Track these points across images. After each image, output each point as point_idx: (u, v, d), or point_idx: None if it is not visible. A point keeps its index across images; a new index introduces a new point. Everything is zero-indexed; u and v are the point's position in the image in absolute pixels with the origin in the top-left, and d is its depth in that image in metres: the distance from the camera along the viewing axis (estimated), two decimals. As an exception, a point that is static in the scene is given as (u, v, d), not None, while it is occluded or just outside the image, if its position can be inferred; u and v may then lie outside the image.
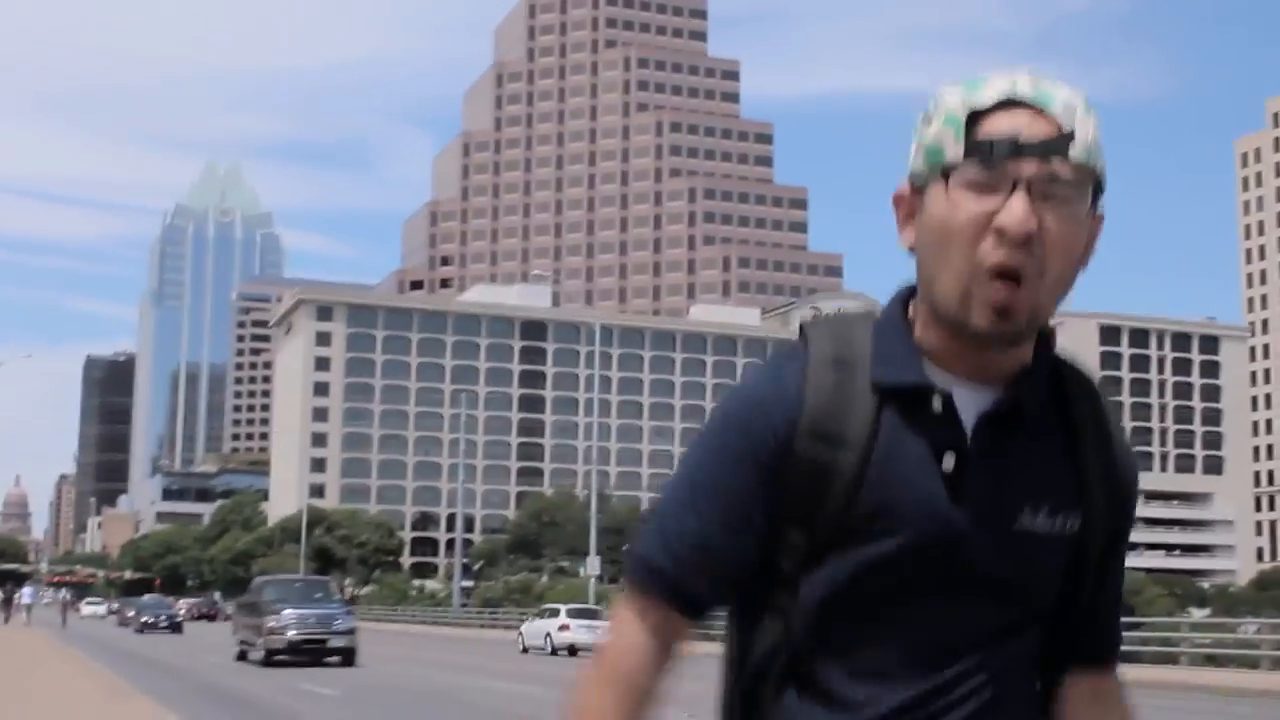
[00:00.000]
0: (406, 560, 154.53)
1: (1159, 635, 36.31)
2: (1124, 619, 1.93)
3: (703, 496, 1.77)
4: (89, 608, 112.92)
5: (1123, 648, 1.94)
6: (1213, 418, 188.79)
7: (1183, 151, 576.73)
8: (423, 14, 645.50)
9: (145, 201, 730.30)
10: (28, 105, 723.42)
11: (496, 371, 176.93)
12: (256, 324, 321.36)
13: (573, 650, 43.82)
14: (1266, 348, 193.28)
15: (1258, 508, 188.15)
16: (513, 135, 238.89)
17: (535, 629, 48.04)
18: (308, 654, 31.89)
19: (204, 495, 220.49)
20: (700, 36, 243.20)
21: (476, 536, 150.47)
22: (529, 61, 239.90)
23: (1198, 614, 79.76)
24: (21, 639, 45.27)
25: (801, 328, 1.83)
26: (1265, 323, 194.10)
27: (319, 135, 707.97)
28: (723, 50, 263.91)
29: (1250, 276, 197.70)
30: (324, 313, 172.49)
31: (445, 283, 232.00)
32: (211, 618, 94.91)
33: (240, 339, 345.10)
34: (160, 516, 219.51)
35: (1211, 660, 33.49)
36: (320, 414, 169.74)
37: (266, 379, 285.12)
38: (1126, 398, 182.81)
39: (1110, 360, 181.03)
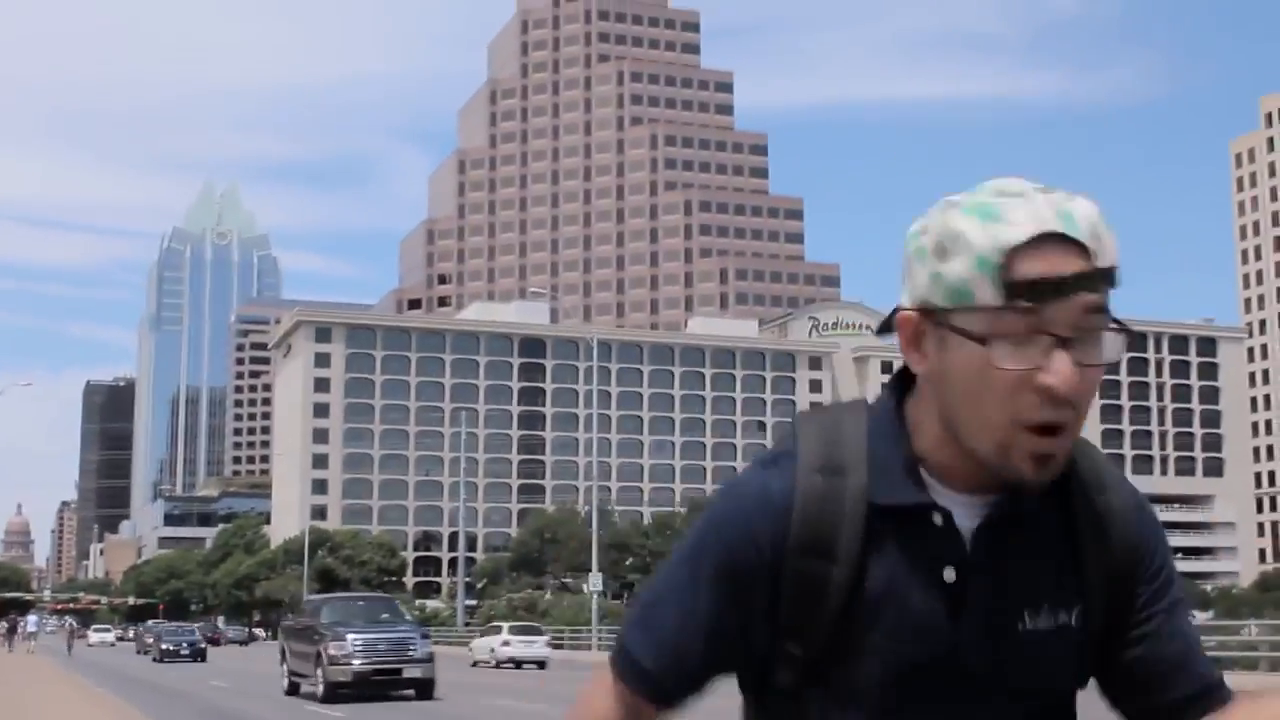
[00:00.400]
0: (410, 580, 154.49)
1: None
2: None
3: (684, 603, 1.75)
4: (97, 635, 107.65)
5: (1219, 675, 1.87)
6: (1212, 420, 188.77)
7: (1178, 153, 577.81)
8: (416, 31, 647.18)
9: (142, 225, 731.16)
10: (24, 129, 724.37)
11: (496, 389, 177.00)
12: (255, 346, 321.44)
13: (516, 663, 49.40)
14: (1264, 348, 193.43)
15: (1259, 509, 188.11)
16: (508, 152, 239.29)
17: (482, 644, 52.77)
18: (378, 686, 26.69)
19: (206, 519, 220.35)
20: (693, 49, 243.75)
21: (479, 555, 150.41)
22: (522, 77, 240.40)
23: (1201, 617, 79.69)
24: (28, 668, 44.53)
25: (793, 422, 1.78)
26: (1263, 323, 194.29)
27: (314, 155, 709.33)
28: (716, 62, 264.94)
29: (1247, 277, 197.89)
30: (322, 334, 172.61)
31: (443, 301, 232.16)
32: (215, 642, 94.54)
33: (239, 361, 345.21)
34: (163, 541, 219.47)
35: (1215, 664, 33.56)
36: (320, 435, 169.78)
37: (267, 401, 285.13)
38: (1125, 401, 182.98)
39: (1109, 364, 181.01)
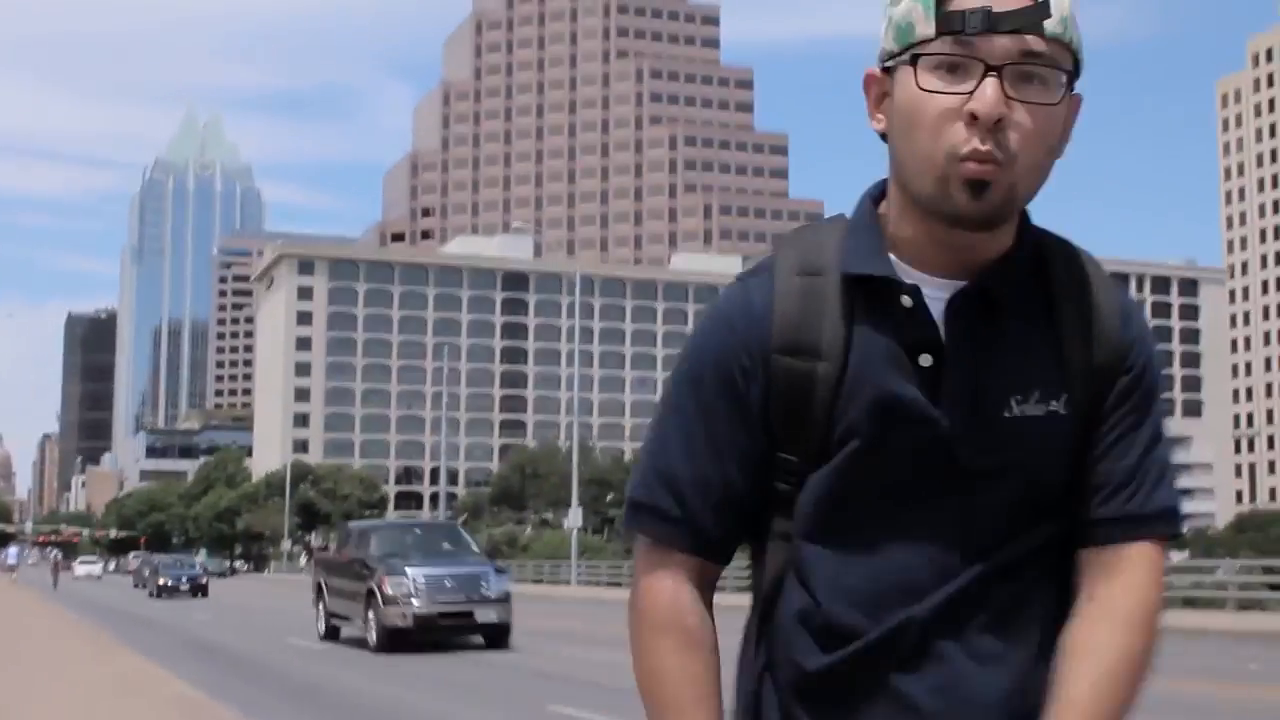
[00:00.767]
0: (391, 514, 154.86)
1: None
2: None
3: (690, 430, 1.73)
4: (83, 567, 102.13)
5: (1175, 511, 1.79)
6: (1192, 361, 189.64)
7: (1164, 93, 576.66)
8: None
9: (124, 155, 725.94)
10: (3, 58, 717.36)
11: (478, 324, 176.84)
12: (238, 279, 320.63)
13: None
14: (1246, 290, 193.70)
15: (1236, 450, 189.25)
16: (493, 84, 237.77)
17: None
18: (445, 633, 22.26)
19: (188, 452, 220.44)
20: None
21: (461, 490, 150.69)
22: (508, 9, 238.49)
23: (1176, 557, 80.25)
24: (12, 604, 44.00)
25: (773, 241, 1.75)
26: (1245, 265, 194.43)
27: (298, 85, 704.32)
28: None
29: (1230, 219, 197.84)
30: (305, 267, 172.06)
31: (426, 234, 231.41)
32: None
33: (222, 294, 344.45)
34: (144, 474, 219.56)
35: (1190, 603, 33.76)
36: (303, 369, 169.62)
37: (249, 334, 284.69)
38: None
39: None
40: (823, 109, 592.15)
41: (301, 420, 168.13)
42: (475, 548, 25.36)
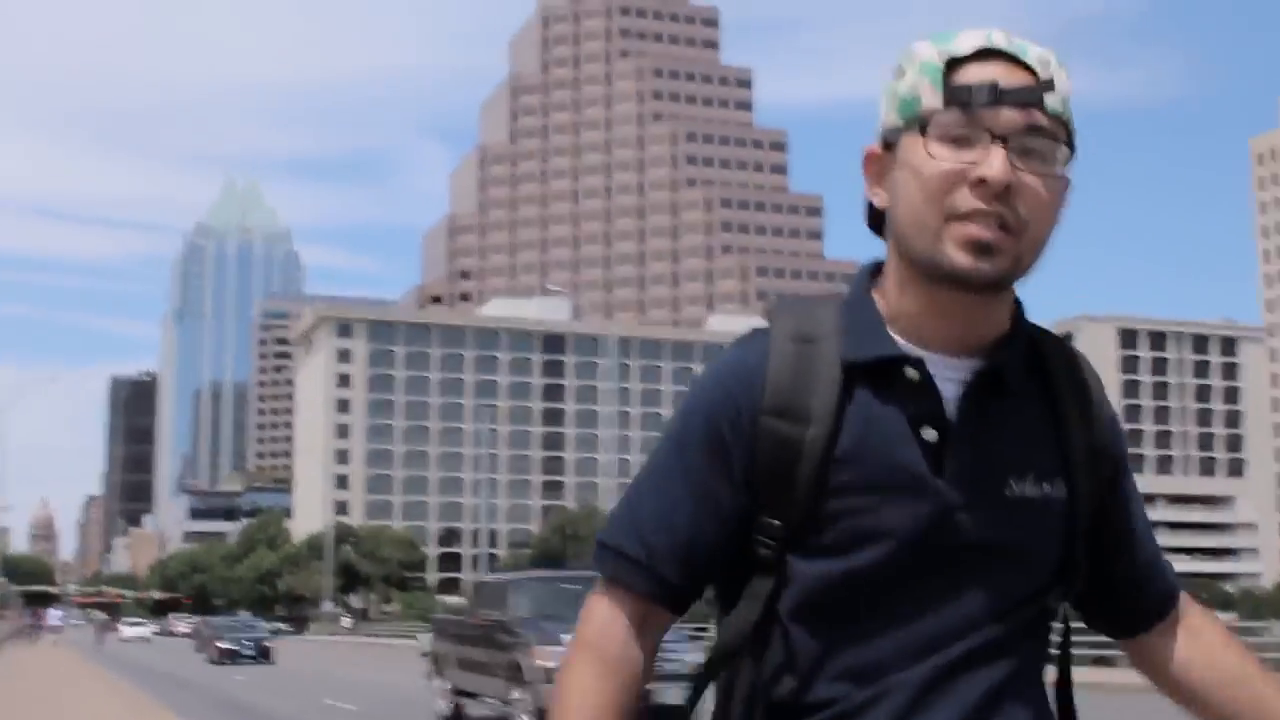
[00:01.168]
0: (432, 576, 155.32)
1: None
2: None
3: (671, 481, 1.73)
4: (131, 629, 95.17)
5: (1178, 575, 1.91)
6: (1233, 420, 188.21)
7: (1199, 152, 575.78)
8: (438, 26, 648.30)
9: (166, 219, 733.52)
10: (48, 123, 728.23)
11: (517, 386, 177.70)
12: (278, 341, 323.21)
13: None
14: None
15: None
16: (529, 148, 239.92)
17: (425, 639, 57.98)
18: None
19: (229, 514, 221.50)
20: (713, 45, 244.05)
21: (501, 551, 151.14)
22: (544, 73, 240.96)
23: (1223, 618, 79.61)
24: (54, 667, 43.27)
25: (766, 310, 1.80)
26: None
27: (337, 150, 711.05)
28: (735, 58, 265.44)
29: (1268, 276, 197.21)
30: (344, 329, 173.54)
31: (465, 297, 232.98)
32: None
33: (263, 356, 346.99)
34: (187, 536, 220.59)
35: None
36: (342, 431, 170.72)
37: (289, 396, 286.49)
38: (1147, 401, 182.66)
39: (1129, 364, 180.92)
40: (856, 170, 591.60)
41: (342, 482, 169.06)
42: None
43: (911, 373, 1.69)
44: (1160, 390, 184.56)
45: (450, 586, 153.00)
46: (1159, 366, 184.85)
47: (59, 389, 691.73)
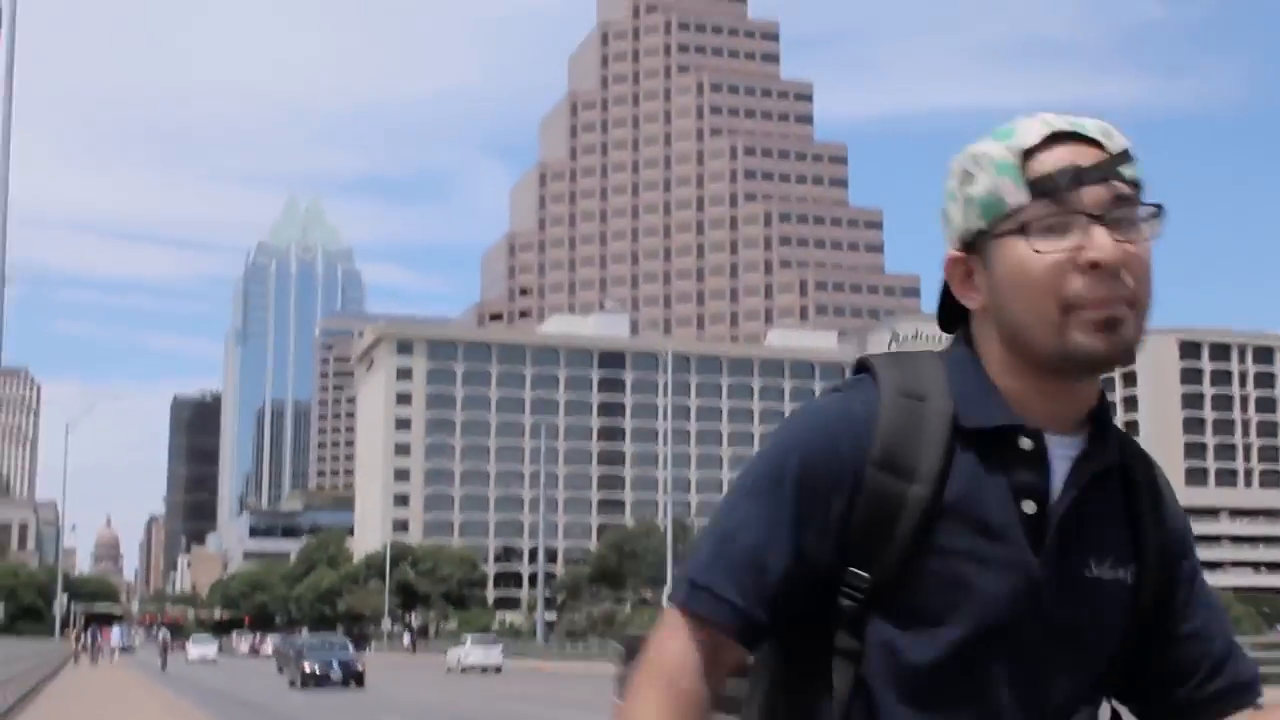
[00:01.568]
0: (490, 594, 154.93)
1: (1248, 655, 35.24)
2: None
3: (761, 521, 1.70)
4: (196, 648, 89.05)
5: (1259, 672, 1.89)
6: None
7: (1262, 159, 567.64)
8: (498, 45, 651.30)
9: (229, 240, 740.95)
10: (113, 144, 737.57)
11: (576, 403, 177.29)
12: (339, 360, 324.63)
13: (483, 669, 60.85)
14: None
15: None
16: (588, 164, 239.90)
17: (452, 654, 64.40)
18: None
19: (290, 532, 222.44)
20: (773, 59, 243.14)
21: (559, 569, 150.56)
22: (603, 89, 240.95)
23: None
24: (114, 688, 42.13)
25: (860, 363, 1.79)
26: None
27: (398, 169, 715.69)
28: (795, 72, 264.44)
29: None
30: (404, 348, 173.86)
31: (524, 314, 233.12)
32: None
33: (324, 375, 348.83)
34: (248, 555, 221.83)
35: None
36: (402, 449, 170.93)
37: (350, 415, 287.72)
38: (1209, 413, 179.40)
39: (1191, 376, 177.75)
40: (915, 184, 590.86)
41: (401, 500, 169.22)
42: None
43: (1026, 443, 1.69)
44: (1223, 402, 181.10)
45: (508, 604, 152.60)
46: (1222, 378, 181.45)
47: (123, 409, 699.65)
